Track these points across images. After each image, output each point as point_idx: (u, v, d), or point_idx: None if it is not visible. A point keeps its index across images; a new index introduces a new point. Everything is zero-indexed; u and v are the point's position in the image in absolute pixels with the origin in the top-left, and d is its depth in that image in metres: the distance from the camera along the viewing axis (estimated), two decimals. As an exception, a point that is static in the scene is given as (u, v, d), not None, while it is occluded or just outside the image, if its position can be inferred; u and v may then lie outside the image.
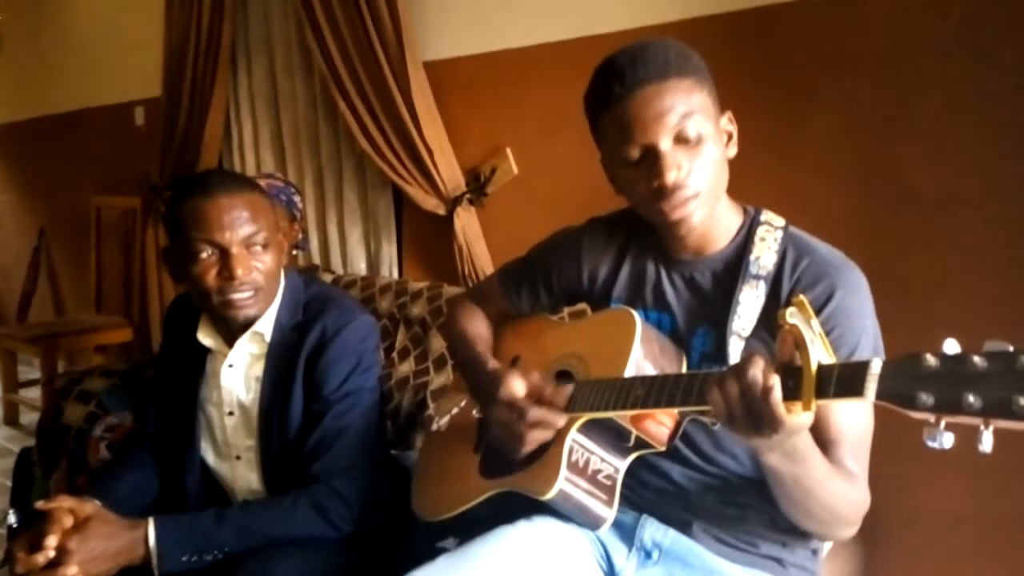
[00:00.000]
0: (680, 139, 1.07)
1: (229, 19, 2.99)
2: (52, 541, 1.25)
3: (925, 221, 1.63)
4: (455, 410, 1.46)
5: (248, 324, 1.47)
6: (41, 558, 1.24)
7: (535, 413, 1.10)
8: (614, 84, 1.08)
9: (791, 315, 0.84)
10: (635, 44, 1.11)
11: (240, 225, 1.38)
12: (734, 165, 1.16)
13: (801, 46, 1.76)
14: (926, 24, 1.60)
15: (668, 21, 1.91)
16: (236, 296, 1.40)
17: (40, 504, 1.31)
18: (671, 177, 1.07)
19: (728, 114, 1.16)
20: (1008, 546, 1.60)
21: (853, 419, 1.07)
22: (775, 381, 0.86)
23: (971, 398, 0.72)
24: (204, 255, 1.38)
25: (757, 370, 0.87)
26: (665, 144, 1.07)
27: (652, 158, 1.08)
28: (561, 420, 1.11)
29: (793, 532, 1.14)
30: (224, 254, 1.38)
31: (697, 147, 1.08)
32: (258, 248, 1.41)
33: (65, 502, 1.31)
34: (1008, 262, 1.54)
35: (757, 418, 0.87)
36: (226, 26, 3.00)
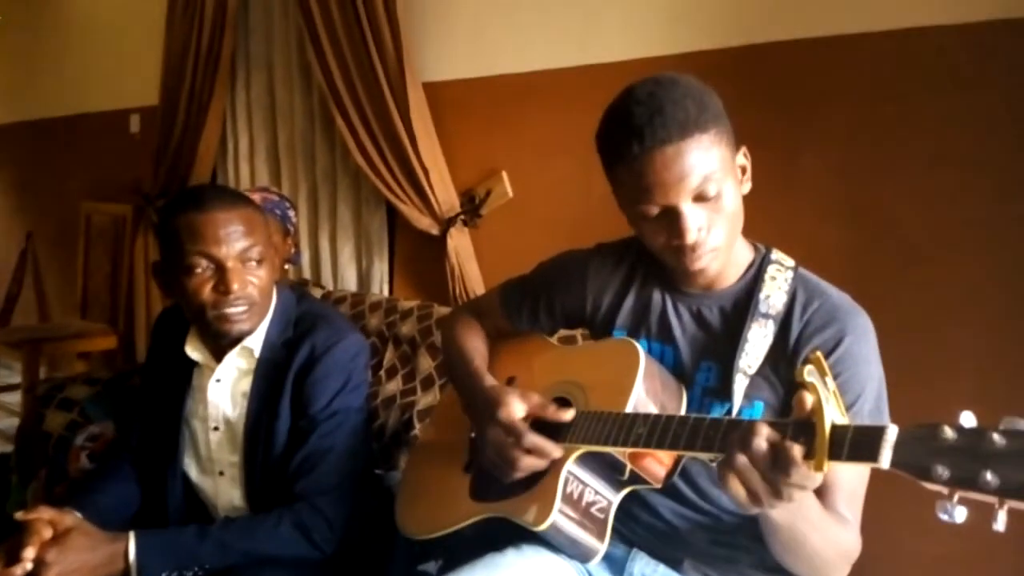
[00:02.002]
0: (700, 198, 1.06)
1: (230, 31, 3.00)
2: (30, 553, 1.23)
3: (913, 262, 1.65)
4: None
5: (238, 339, 1.46)
6: (19, 570, 1.22)
7: (532, 440, 1.09)
8: (632, 142, 1.05)
9: (809, 373, 0.83)
10: (652, 96, 1.05)
11: (236, 239, 1.37)
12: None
13: (795, 84, 1.79)
14: (919, 65, 1.62)
15: (664, 54, 1.93)
16: (231, 310, 1.39)
17: (19, 515, 1.29)
18: (691, 237, 1.06)
19: (743, 149, 1.14)
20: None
21: (850, 466, 1.06)
22: (796, 449, 0.84)
23: (988, 476, 0.71)
24: (199, 269, 1.37)
25: (761, 439, 0.85)
26: (685, 205, 1.05)
27: (672, 217, 1.06)
28: (557, 452, 1.10)
29: (782, 571, 1.12)
30: (220, 268, 1.37)
31: (716, 203, 1.06)
32: (253, 263, 1.40)
33: (45, 513, 1.29)
34: (999, 308, 1.56)
35: (778, 491, 0.86)
36: (227, 38, 3.00)
